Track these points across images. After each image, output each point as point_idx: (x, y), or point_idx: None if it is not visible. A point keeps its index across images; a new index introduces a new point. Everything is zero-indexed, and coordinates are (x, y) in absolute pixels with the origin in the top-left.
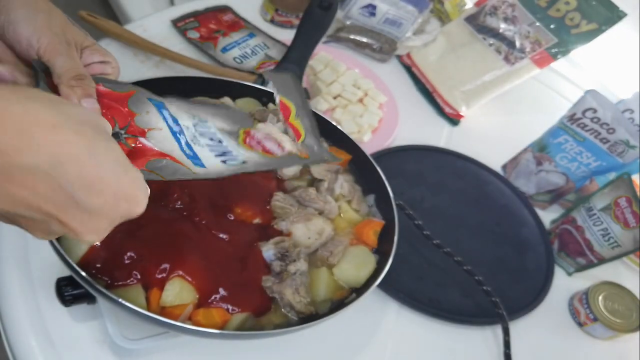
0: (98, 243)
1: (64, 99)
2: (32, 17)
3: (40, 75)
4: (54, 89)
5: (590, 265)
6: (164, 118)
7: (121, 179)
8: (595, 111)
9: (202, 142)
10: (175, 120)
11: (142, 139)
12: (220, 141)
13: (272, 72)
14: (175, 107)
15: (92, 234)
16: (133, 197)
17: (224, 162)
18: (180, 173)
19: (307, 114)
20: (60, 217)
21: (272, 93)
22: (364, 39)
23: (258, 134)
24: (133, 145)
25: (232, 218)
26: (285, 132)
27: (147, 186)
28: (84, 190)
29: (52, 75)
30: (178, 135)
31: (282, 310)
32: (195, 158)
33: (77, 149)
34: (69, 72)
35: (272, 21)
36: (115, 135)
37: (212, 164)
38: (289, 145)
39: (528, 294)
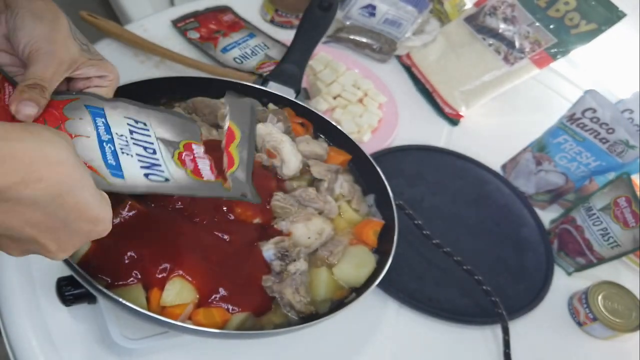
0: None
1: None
2: (33, 25)
3: None
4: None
5: (589, 265)
6: (96, 126)
7: (99, 203)
8: (594, 111)
9: (133, 151)
10: (108, 129)
11: None
12: (154, 152)
13: (232, 95)
14: (119, 113)
15: (64, 252)
16: (105, 219)
17: (146, 175)
18: (94, 182)
19: (249, 147)
20: (43, 242)
21: (273, 93)
22: (364, 39)
23: (197, 150)
24: None
25: (232, 218)
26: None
27: (111, 210)
28: (74, 215)
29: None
30: (105, 144)
31: (282, 310)
32: (115, 169)
33: (74, 181)
34: (29, 80)
35: (272, 21)
36: None
37: (132, 176)
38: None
39: (528, 294)
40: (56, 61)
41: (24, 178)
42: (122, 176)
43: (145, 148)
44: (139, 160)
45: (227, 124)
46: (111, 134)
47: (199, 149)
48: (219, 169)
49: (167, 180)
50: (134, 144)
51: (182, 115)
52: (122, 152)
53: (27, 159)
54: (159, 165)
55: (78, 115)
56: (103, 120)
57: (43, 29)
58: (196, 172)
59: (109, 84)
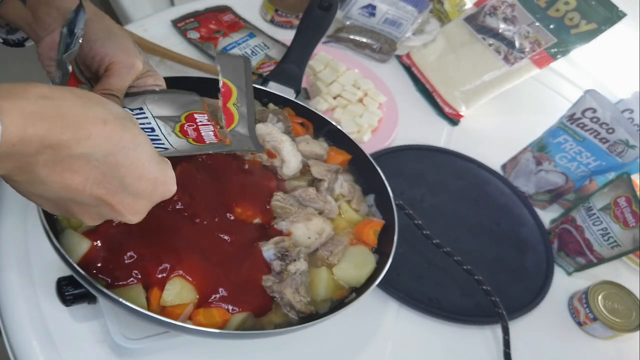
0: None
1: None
2: (108, 39)
3: (59, 74)
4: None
5: (589, 264)
6: None
7: (157, 165)
8: (594, 111)
9: None
10: None
11: None
12: (152, 130)
13: (222, 54)
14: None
15: (135, 214)
16: (167, 181)
17: None
18: None
19: (247, 102)
20: (109, 200)
21: (273, 93)
22: (364, 39)
23: (200, 118)
24: None
25: (232, 218)
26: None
27: (173, 172)
28: (130, 176)
29: (97, 85)
30: None
31: (282, 309)
32: None
33: (125, 141)
34: (106, 90)
35: (272, 21)
36: None
37: None
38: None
39: (528, 294)
40: (133, 72)
41: (74, 135)
42: None
43: (142, 129)
44: None
45: (221, 81)
46: None
47: (202, 117)
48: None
49: (166, 149)
50: None
51: (179, 92)
52: None
53: (73, 116)
54: (159, 140)
55: None
56: None
57: (119, 42)
58: (199, 139)
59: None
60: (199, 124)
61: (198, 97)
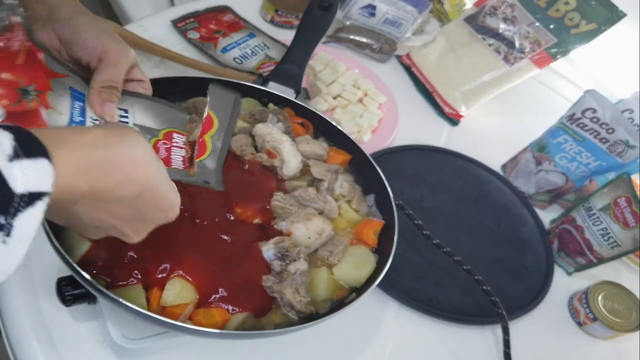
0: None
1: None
2: (96, 30)
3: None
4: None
5: (589, 264)
6: (72, 107)
7: (173, 194)
8: (594, 111)
9: None
10: (82, 113)
11: (42, 109)
12: None
13: (217, 87)
14: None
15: (139, 236)
16: (175, 206)
17: None
18: None
19: (224, 138)
20: (123, 229)
21: (273, 93)
22: (364, 39)
23: (178, 139)
24: (30, 107)
25: (232, 218)
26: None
27: (178, 194)
28: (151, 207)
29: (92, 77)
30: (73, 125)
31: (282, 309)
32: None
33: (153, 178)
34: (107, 81)
35: (272, 21)
36: (24, 91)
37: None
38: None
39: (528, 294)
40: (129, 60)
41: (117, 180)
42: None
43: None
44: None
45: (206, 112)
46: (84, 117)
47: (179, 138)
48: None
49: None
50: None
51: (171, 104)
52: None
53: (120, 163)
54: None
55: (60, 91)
56: (81, 104)
57: (107, 32)
58: (166, 160)
59: (143, 91)
60: (174, 144)
61: (186, 117)
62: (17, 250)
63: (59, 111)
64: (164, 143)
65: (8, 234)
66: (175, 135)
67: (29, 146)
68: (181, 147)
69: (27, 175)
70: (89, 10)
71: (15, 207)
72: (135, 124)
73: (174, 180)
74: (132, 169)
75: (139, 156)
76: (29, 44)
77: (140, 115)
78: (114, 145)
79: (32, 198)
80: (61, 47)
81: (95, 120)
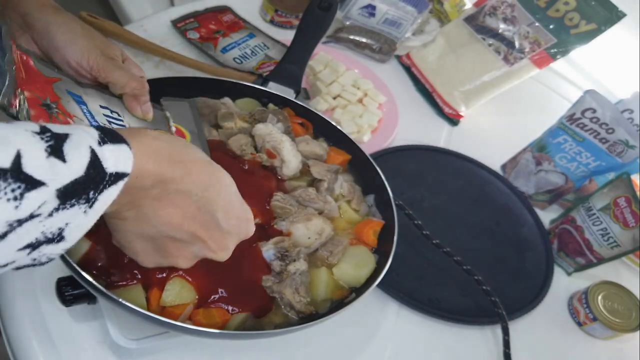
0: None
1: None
2: (75, 41)
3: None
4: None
5: (589, 265)
6: (84, 112)
7: (241, 204)
8: (594, 111)
9: None
10: (93, 117)
11: (70, 120)
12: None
13: (166, 100)
14: (94, 101)
15: (224, 250)
16: (249, 219)
17: None
18: None
19: (201, 144)
20: (202, 235)
21: (273, 93)
22: (364, 39)
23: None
24: (62, 121)
25: None
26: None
27: (252, 214)
28: (221, 211)
29: (111, 88)
30: None
31: (282, 310)
32: None
33: (217, 178)
34: (130, 84)
35: (271, 22)
36: (47, 106)
37: None
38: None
39: (527, 294)
40: (117, 61)
41: (182, 171)
42: None
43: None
44: None
45: (173, 128)
46: (97, 122)
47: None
48: None
49: None
50: None
51: (152, 104)
52: None
53: (180, 155)
54: None
55: (65, 97)
56: (85, 107)
57: (86, 43)
58: None
59: (139, 85)
60: None
61: (165, 117)
62: (91, 221)
63: (79, 118)
64: None
65: (91, 207)
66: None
67: (110, 135)
68: None
69: (116, 158)
70: (90, 11)
71: (104, 184)
72: (129, 125)
73: (215, 155)
74: (193, 163)
75: (199, 156)
76: (19, 52)
77: (128, 118)
78: (172, 141)
79: (116, 178)
80: (43, 55)
81: (107, 120)
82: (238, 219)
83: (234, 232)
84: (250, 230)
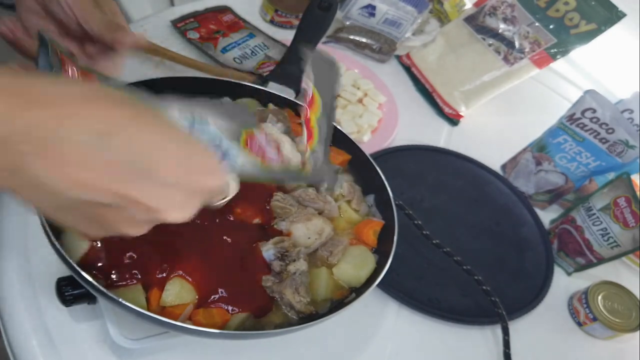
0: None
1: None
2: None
3: (46, 48)
4: (62, 61)
5: (589, 265)
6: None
7: (186, 148)
8: (594, 111)
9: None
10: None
11: None
12: (220, 142)
13: (315, 52)
14: (170, 108)
15: (175, 210)
16: (205, 168)
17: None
18: None
19: (327, 119)
20: (130, 195)
21: (273, 93)
22: (364, 39)
23: (260, 136)
24: None
25: (232, 218)
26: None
27: (218, 162)
28: (142, 161)
29: (89, 32)
30: None
31: (282, 310)
32: None
33: (122, 120)
34: (108, 25)
35: (271, 22)
36: None
37: None
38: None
39: (527, 294)
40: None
41: (52, 114)
42: None
43: (209, 139)
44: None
45: (310, 89)
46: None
47: (260, 136)
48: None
49: (242, 166)
50: (199, 137)
51: (228, 104)
52: None
53: (46, 94)
54: (230, 152)
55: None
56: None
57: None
58: (265, 159)
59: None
60: (260, 141)
61: (253, 115)
62: None
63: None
64: (251, 141)
65: None
66: (256, 132)
67: None
68: (267, 143)
69: None
70: None
71: None
72: (218, 128)
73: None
74: (73, 103)
75: (86, 91)
76: (80, 71)
77: (216, 119)
78: (34, 77)
79: None
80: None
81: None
82: (177, 168)
83: (180, 183)
84: (210, 182)
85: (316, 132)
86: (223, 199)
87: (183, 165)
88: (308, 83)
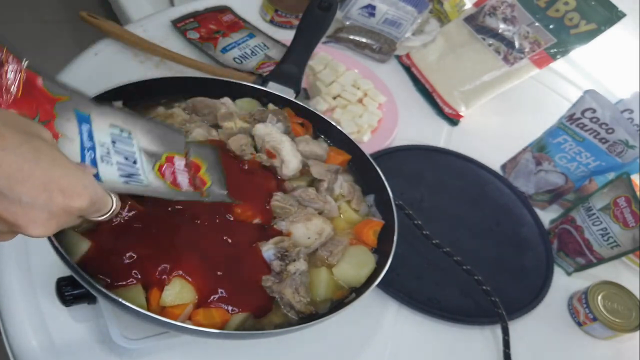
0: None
1: None
2: None
3: None
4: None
5: (589, 264)
6: (80, 132)
7: (49, 170)
8: (594, 111)
9: (114, 159)
10: (90, 137)
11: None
12: (134, 162)
13: (193, 144)
14: (104, 120)
15: (36, 226)
16: (68, 189)
17: (125, 182)
18: None
19: (219, 170)
20: None
21: (273, 93)
22: (364, 39)
23: (178, 162)
24: None
25: (232, 218)
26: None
27: (93, 182)
28: (3, 182)
29: None
30: (86, 150)
31: (282, 310)
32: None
33: None
34: None
35: (271, 22)
36: None
37: (110, 182)
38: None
39: (527, 294)
40: None
41: None
42: (100, 180)
43: (126, 157)
44: (119, 169)
45: (190, 158)
46: (93, 142)
47: (180, 162)
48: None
49: (146, 186)
50: (115, 152)
51: (168, 126)
52: (102, 160)
53: None
54: (139, 175)
55: (65, 116)
56: (88, 126)
57: None
58: (175, 183)
59: None
60: (176, 168)
61: (183, 139)
62: None
63: (69, 138)
64: (168, 167)
65: None
66: (175, 158)
67: None
68: (183, 171)
69: None
70: (90, 11)
71: None
72: (140, 148)
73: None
74: None
75: None
76: (25, 71)
77: (142, 138)
78: None
79: None
80: None
81: (103, 144)
82: (37, 188)
83: (39, 204)
84: (72, 202)
85: (208, 179)
86: (105, 214)
87: (43, 187)
88: (189, 155)
